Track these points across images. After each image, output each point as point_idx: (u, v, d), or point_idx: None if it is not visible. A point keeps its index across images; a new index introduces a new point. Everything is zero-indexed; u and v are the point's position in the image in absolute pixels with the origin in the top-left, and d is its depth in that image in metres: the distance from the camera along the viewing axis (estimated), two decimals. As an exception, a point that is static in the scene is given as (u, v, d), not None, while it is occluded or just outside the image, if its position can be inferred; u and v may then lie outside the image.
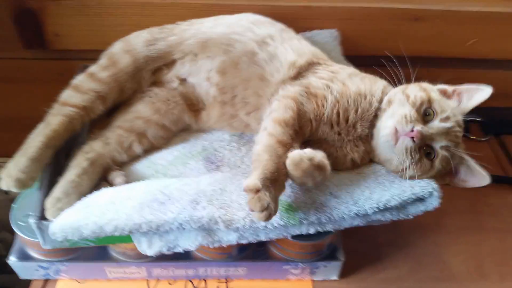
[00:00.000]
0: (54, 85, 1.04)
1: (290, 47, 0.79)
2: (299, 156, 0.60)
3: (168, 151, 0.78)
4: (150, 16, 0.97)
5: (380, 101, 0.72)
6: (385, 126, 0.68)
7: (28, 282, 0.77)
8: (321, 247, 0.75)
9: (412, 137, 0.65)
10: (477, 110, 0.73)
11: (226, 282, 0.79)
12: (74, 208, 0.64)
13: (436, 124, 0.67)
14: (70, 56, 1.04)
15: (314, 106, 0.70)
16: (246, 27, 0.82)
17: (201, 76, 0.80)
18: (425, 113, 0.68)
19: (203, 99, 0.81)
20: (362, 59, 0.85)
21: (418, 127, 0.65)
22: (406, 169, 0.66)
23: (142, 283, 0.78)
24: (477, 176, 0.68)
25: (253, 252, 0.76)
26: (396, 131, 0.66)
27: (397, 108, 0.68)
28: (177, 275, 0.78)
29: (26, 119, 1.10)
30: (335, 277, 0.79)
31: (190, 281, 0.79)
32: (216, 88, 0.78)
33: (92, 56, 1.01)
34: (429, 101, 0.68)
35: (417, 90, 0.70)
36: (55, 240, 0.63)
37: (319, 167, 0.61)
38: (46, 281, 0.77)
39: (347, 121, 0.71)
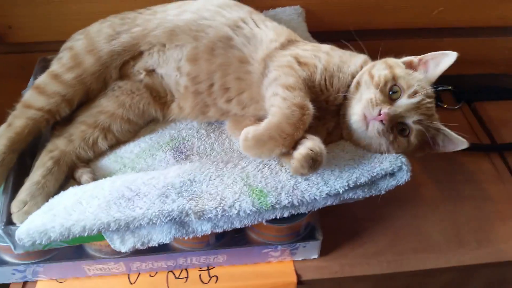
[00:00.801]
0: (17, 80, 1.01)
1: (265, 27, 0.77)
2: (304, 149, 0.61)
3: (135, 143, 0.76)
4: (108, 2, 0.93)
5: (354, 76, 0.71)
6: (354, 113, 0.67)
7: (6, 285, 0.76)
8: (298, 229, 0.75)
9: (381, 120, 0.64)
10: (448, 78, 0.72)
11: (208, 270, 0.79)
12: (40, 212, 0.62)
13: (404, 101, 0.66)
14: (29, 48, 1.00)
15: (307, 73, 0.69)
16: (214, 11, 0.78)
17: (170, 66, 0.77)
18: (392, 91, 0.67)
19: (172, 90, 0.78)
20: (328, 34, 0.83)
21: (385, 109, 0.64)
22: (385, 151, 0.67)
23: (123, 278, 0.77)
24: (455, 142, 0.68)
25: (232, 239, 0.76)
26: (365, 116, 0.66)
27: (363, 91, 0.67)
28: (157, 267, 0.77)
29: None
30: (315, 256, 0.80)
31: (171, 271, 0.79)
32: (188, 78, 0.75)
33: (53, 47, 0.97)
34: (394, 79, 0.67)
35: (382, 69, 0.68)
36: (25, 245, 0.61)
37: (315, 157, 0.61)
38: (25, 283, 0.76)
39: (332, 86, 0.70)
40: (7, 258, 0.72)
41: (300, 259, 0.80)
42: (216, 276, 0.78)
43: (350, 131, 0.69)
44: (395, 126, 0.66)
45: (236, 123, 0.77)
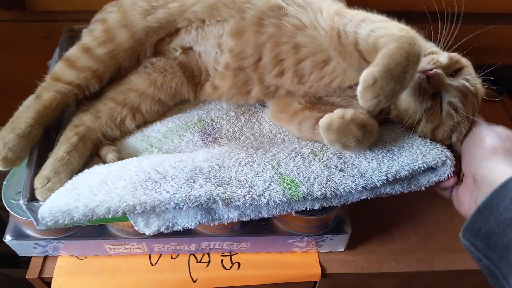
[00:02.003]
0: (41, 49, 0.99)
1: None
2: (327, 118, 0.59)
3: (162, 123, 0.73)
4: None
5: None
6: None
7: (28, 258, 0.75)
8: (327, 221, 0.72)
9: (428, 76, 0.59)
10: (489, 68, 0.67)
11: (230, 256, 0.77)
12: (63, 190, 0.60)
13: (458, 80, 0.62)
14: (54, 17, 0.97)
15: None
16: None
17: (209, 43, 0.72)
18: (455, 72, 0.63)
19: (209, 69, 0.74)
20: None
21: (438, 70, 0.60)
22: (418, 121, 0.62)
23: (144, 258, 0.76)
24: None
25: (257, 226, 0.73)
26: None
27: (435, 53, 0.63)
28: (179, 250, 0.76)
29: (12, 85, 1.07)
30: (341, 249, 0.77)
31: (193, 255, 0.77)
32: (230, 54, 0.70)
33: (78, 17, 0.95)
34: (463, 66, 0.63)
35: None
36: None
37: (354, 121, 0.58)
38: (46, 257, 0.76)
39: None
40: (30, 232, 0.71)
41: (325, 251, 0.77)
42: (238, 263, 0.76)
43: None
44: (433, 97, 0.61)
45: (283, 106, 0.72)
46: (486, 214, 0.52)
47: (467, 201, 0.60)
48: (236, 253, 0.77)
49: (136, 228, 0.64)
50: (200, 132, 0.71)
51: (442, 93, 0.61)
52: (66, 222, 0.57)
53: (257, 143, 0.70)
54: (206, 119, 0.74)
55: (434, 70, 0.60)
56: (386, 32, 0.56)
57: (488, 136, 0.59)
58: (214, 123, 0.73)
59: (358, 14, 0.63)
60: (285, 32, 0.66)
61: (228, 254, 0.77)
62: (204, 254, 0.77)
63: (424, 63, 0.61)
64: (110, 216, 0.57)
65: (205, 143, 0.70)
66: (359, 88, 0.53)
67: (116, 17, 0.71)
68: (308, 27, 0.66)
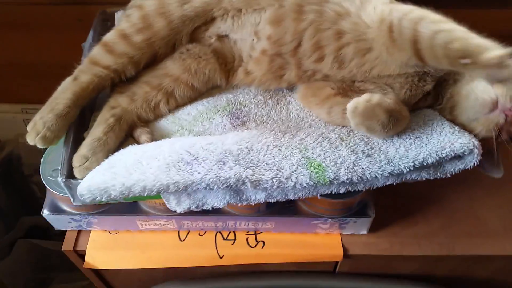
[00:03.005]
0: (73, 31, 1.02)
1: None
2: (353, 102, 0.61)
3: (192, 106, 0.75)
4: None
5: None
6: (484, 91, 0.62)
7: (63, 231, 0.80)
8: (351, 204, 0.73)
9: (507, 115, 0.61)
10: None
11: (255, 234, 0.80)
12: (100, 168, 0.63)
13: None
14: (88, 0, 0.98)
15: None
16: None
17: (245, 31, 0.73)
18: None
19: (243, 55, 0.75)
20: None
21: None
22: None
23: (173, 234, 0.79)
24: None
25: (282, 208, 0.75)
26: (497, 102, 0.61)
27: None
28: (206, 227, 0.79)
29: (46, 66, 1.10)
30: (364, 232, 0.78)
31: (220, 232, 0.80)
32: (268, 41, 0.71)
33: (109, 0, 0.97)
34: None
35: None
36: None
37: (380, 105, 0.60)
38: (80, 231, 0.80)
39: None
40: (65, 207, 0.75)
41: (348, 233, 0.79)
42: (263, 242, 0.79)
43: (457, 103, 0.66)
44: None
45: (315, 90, 0.73)
46: None
47: None
48: (261, 232, 0.80)
49: (168, 206, 0.67)
50: (229, 116, 0.73)
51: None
52: (103, 199, 0.60)
53: (284, 127, 0.72)
54: (234, 102, 0.75)
55: None
56: (456, 36, 0.56)
57: None
58: (242, 107, 0.75)
59: (414, 9, 0.62)
60: (326, 19, 0.67)
61: (253, 233, 0.80)
62: (230, 232, 0.80)
63: (503, 96, 0.61)
64: (145, 194, 0.60)
65: (234, 126, 0.72)
66: None
67: (153, 4, 0.72)
68: (352, 15, 0.66)
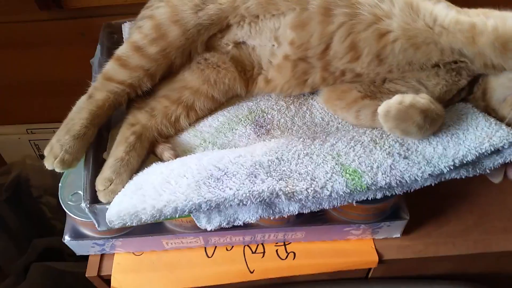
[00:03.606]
0: (77, 46, 0.99)
1: None
2: (385, 105, 0.60)
3: (213, 117, 0.72)
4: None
5: None
6: None
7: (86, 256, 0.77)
8: (385, 208, 0.71)
9: None
10: None
11: (285, 245, 0.77)
12: (127, 191, 0.60)
13: None
14: (90, 13, 0.96)
15: None
16: None
17: (264, 36, 0.70)
18: None
19: (263, 62, 0.72)
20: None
21: None
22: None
23: (200, 251, 0.76)
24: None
25: (311, 216, 0.72)
26: None
27: None
28: (234, 242, 0.76)
29: (53, 83, 1.07)
30: (397, 235, 0.76)
31: (248, 246, 0.77)
32: (292, 47, 0.68)
33: (113, 11, 0.94)
34: None
35: None
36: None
37: (414, 106, 0.58)
38: (103, 255, 0.77)
39: None
40: (88, 232, 0.72)
41: (381, 237, 0.76)
42: (294, 253, 0.76)
43: (488, 84, 0.65)
44: None
45: (340, 93, 0.70)
46: None
47: None
48: (290, 243, 0.77)
49: (198, 225, 0.64)
50: (252, 125, 0.70)
51: None
52: (134, 224, 0.58)
53: (311, 133, 0.69)
54: (256, 110, 0.73)
55: None
56: None
57: None
58: (265, 114, 0.72)
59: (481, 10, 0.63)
60: (361, 20, 0.64)
61: (283, 244, 0.77)
62: (258, 245, 0.77)
63: None
64: (177, 216, 0.57)
65: (258, 135, 0.69)
66: None
67: (165, 13, 0.69)
68: (395, 16, 0.63)
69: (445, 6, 0.65)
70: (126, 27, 0.83)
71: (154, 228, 0.72)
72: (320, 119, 0.72)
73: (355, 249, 0.76)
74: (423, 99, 0.60)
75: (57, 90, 1.04)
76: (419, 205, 0.78)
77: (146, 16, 0.72)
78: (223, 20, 0.70)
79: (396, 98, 0.60)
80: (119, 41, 0.81)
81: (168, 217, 0.57)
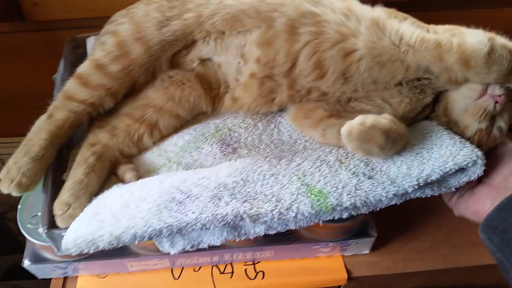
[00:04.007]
0: (42, 59, 0.96)
1: (353, 2, 0.68)
2: (347, 126, 0.59)
3: (178, 136, 0.70)
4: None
5: None
6: (474, 83, 0.63)
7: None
8: (353, 226, 0.70)
9: (496, 102, 0.61)
10: None
11: (254, 264, 0.76)
12: (85, 217, 0.58)
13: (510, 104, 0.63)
14: (54, 26, 0.93)
15: None
16: None
17: (230, 53, 0.69)
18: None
19: (229, 80, 0.71)
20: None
21: (504, 97, 0.61)
22: (466, 135, 0.63)
23: (166, 272, 0.75)
24: None
25: (280, 235, 0.71)
26: (486, 89, 0.62)
27: None
28: (201, 262, 0.74)
29: (13, 96, 1.04)
30: (366, 251, 0.76)
31: (216, 266, 0.75)
32: (258, 64, 0.67)
33: (78, 24, 0.92)
34: None
35: None
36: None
37: (375, 127, 0.58)
38: (66, 278, 0.74)
39: None
40: (48, 255, 0.69)
41: (350, 254, 0.76)
42: (263, 272, 0.75)
43: (449, 98, 0.65)
44: (490, 120, 0.63)
45: (307, 112, 0.69)
46: (505, 212, 0.56)
47: (489, 202, 0.60)
48: (259, 262, 0.76)
49: (160, 249, 0.62)
50: (219, 143, 0.69)
51: (497, 117, 0.63)
52: (91, 251, 0.55)
53: (278, 151, 0.68)
54: (223, 128, 0.71)
55: (503, 96, 0.61)
56: None
57: None
58: (232, 133, 0.71)
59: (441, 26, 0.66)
60: (327, 39, 0.64)
61: (252, 263, 0.76)
62: (226, 265, 0.76)
63: (492, 84, 0.62)
64: (136, 242, 0.55)
65: (224, 154, 0.68)
66: None
67: (128, 29, 0.67)
68: (360, 34, 0.63)
69: (410, 24, 0.65)
70: (90, 42, 0.81)
71: (117, 250, 0.69)
72: (288, 137, 0.71)
73: (325, 267, 0.75)
74: (384, 119, 0.60)
75: (20, 103, 1.01)
76: (388, 221, 0.78)
77: (109, 31, 0.70)
78: (188, 35, 0.68)
79: (358, 119, 0.60)
80: (84, 56, 0.79)
81: (127, 243, 0.55)
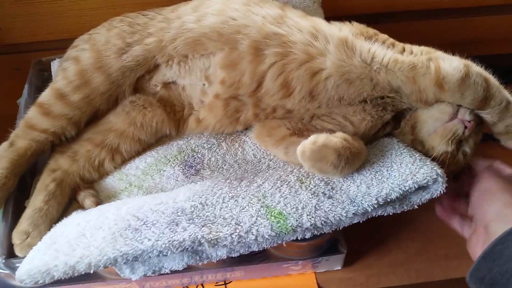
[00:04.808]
0: (12, 81, 0.95)
1: (319, 21, 0.69)
2: (301, 146, 0.60)
3: (140, 159, 0.70)
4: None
5: None
6: (446, 104, 0.63)
7: None
8: (321, 244, 0.69)
9: (466, 127, 0.62)
10: (484, 59, 0.66)
11: (225, 284, 0.75)
12: (41, 246, 0.57)
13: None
14: (23, 48, 0.93)
15: None
16: (242, 10, 0.67)
17: (194, 76, 0.68)
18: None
19: (193, 101, 0.71)
20: (344, 19, 0.73)
21: (472, 123, 0.63)
22: (432, 156, 0.63)
23: (136, 295, 0.74)
24: None
25: (248, 255, 0.70)
26: (456, 113, 0.63)
27: None
28: (171, 285, 0.73)
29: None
30: (338, 267, 0.75)
31: (187, 287, 0.75)
32: (222, 86, 0.67)
33: (46, 46, 0.92)
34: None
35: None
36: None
37: (326, 146, 0.58)
38: (35, 304, 0.73)
39: None
40: (14, 283, 0.68)
41: (322, 270, 0.75)
42: (234, 291, 0.74)
43: (418, 119, 0.65)
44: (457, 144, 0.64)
45: (270, 130, 0.69)
46: (490, 262, 0.52)
47: (479, 247, 0.58)
48: (231, 281, 0.75)
49: (121, 276, 0.61)
50: (181, 165, 0.69)
51: (463, 142, 0.64)
52: (46, 282, 0.55)
53: (241, 171, 0.67)
54: (186, 150, 0.71)
55: (472, 122, 0.62)
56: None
57: (498, 187, 0.59)
58: (195, 153, 0.70)
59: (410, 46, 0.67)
60: (294, 59, 0.63)
61: (223, 283, 0.75)
62: (198, 286, 0.75)
63: (463, 109, 0.62)
64: (91, 271, 0.55)
65: (187, 176, 0.68)
66: None
67: (89, 58, 0.67)
68: (329, 54, 0.63)
69: (381, 43, 0.65)
70: (55, 65, 0.81)
71: (84, 275, 0.68)
72: (252, 156, 0.70)
73: (297, 284, 0.74)
74: (336, 137, 0.59)
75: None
76: (359, 235, 0.77)
77: (71, 57, 0.70)
78: (149, 60, 0.68)
79: (311, 138, 0.60)
80: (49, 79, 0.79)
81: (82, 272, 0.55)
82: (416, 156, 0.61)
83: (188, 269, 0.69)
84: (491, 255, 0.52)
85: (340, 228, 0.62)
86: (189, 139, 0.73)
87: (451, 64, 0.60)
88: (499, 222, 0.55)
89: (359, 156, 0.60)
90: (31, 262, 0.56)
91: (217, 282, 0.75)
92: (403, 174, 0.59)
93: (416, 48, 0.66)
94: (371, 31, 0.69)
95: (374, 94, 0.64)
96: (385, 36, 0.67)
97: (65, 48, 0.82)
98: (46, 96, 0.67)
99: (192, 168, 0.68)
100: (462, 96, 0.60)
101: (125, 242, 0.55)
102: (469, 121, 0.62)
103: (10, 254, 0.60)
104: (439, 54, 0.64)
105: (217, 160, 0.70)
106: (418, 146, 0.65)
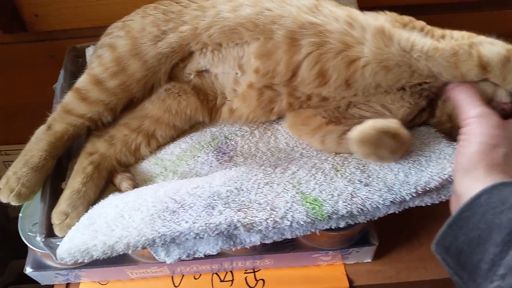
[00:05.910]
0: (46, 69, 0.97)
1: (353, 10, 0.68)
2: (359, 131, 0.59)
3: (175, 144, 0.71)
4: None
5: None
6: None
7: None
8: (352, 235, 0.69)
9: (503, 109, 0.60)
10: None
11: (254, 272, 0.75)
12: (80, 226, 0.59)
13: None
14: (57, 36, 0.95)
15: None
16: (277, 1, 0.67)
17: (228, 64, 0.69)
18: None
19: (226, 91, 0.71)
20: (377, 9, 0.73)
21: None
22: None
23: (166, 280, 0.74)
24: None
25: (279, 243, 0.70)
26: (493, 96, 0.61)
27: None
28: (201, 270, 0.74)
29: (20, 106, 1.06)
30: (368, 260, 0.74)
31: (216, 273, 0.75)
32: (256, 75, 0.67)
33: (80, 34, 0.93)
34: None
35: None
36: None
37: (386, 132, 0.57)
38: (68, 284, 0.75)
39: None
40: (50, 263, 0.70)
41: (352, 262, 0.75)
42: (263, 280, 0.74)
43: (454, 106, 0.63)
44: None
45: (305, 119, 0.69)
46: (456, 230, 0.49)
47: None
48: (260, 270, 0.75)
49: (156, 258, 0.62)
50: (215, 152, 0.69)
51: None
52: (85, 261, 0.56)
53: (274, 159, 0.67)
54: (219, 137, 0.71)
55: (510, 104, 0.61)
56: None
57: (478, 139, 0.55)
58: (228, 141, 0.70)
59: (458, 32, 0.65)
60: (330, 49, 0.63)
61: (252, 271, 0.75)
62: (227, 273, 0.75)
63: (503, 94, 0.61)
64: (130, 252, 0.55)
65: (221, 162, 0.68)
66: None
67: (125, 45, 0.67)
68: (367, 42, 0.62)
69: (418, 33, 0.64)
70: (89, 51, 0.82)
71: (116, 258, 0.69)
72: (285, 144, 0.70)
73: (326, 275, 0.74)
74: (393, 123, 0.59)
75: (27, 112, 1.03)
76: (391, 228, 0.76)
77: (105, 44, 0.71)
78: (184, 47, 0.68)
79: (369, 123, 0.59)
80: (84, 65, 0.80)
81: (121, 253, 0.56)
82: (454, 145, 0.60)
83: (219, 255, 0.70)
84: (458, 222, 0.49)
85: (375, 219, 0.61)
86: (222, 126, 0.73)
87: (493, 49, 0.59)
88: (463, 187, 0.53)
89: (409, 142, 0.60)
90: (71, 241, 0.57)
91: (246, 270, 0.75)
92: (441, 163, 0.59)
93: (456, 33, 0.65)
94: (406, 18, 0.68)
95: (412, 81, 0.64)
96: (422, 23, 0.66)
97: (96, 36, 0.83)
98: (83, 82, 0.68)
99: (225, 155, 0.69)
100: (505, 80, 0.59)
101: (163, 224, 0.56)
102: (505, 104, 0.61)
103: (50, 234, 0.62)
104: (482, 38, 0.62)
105: (250, 148, 0.70)
106: (456, 133, 0.63)
